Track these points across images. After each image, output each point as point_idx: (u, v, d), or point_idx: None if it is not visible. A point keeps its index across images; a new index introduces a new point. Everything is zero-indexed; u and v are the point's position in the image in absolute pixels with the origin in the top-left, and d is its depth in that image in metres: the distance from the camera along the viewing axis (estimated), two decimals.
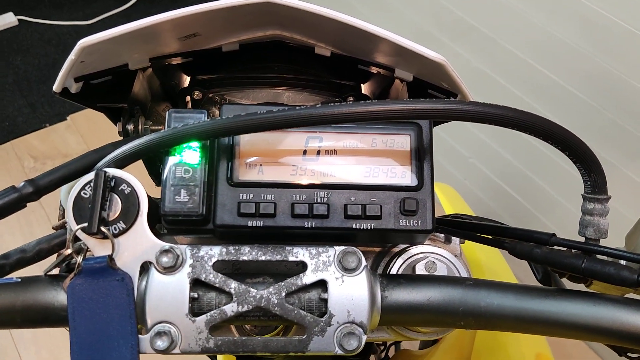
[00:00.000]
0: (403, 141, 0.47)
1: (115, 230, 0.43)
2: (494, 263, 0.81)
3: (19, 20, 2.95)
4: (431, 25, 1.89)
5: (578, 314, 0.40)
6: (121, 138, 0.56)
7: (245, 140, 0.46)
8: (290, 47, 0.60)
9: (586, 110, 1.52)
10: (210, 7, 0.47)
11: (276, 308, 0.42)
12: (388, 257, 0.52)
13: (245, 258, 0.43)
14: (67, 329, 0.42)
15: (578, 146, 0.41)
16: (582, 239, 0.45)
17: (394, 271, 0.50)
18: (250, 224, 0.44)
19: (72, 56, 0.45)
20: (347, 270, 0.43)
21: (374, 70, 0.59)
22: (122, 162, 0.44)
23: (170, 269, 0.42)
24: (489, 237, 0.49)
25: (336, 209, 0.45)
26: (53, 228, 0.50)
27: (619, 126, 1.46)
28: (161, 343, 0.41)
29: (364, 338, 0.42)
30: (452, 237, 0.53)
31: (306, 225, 0.44)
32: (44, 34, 2.91)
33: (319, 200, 0.45)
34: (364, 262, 0.43)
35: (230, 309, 0.42)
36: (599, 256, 0.43)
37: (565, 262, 0.42)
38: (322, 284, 0.43)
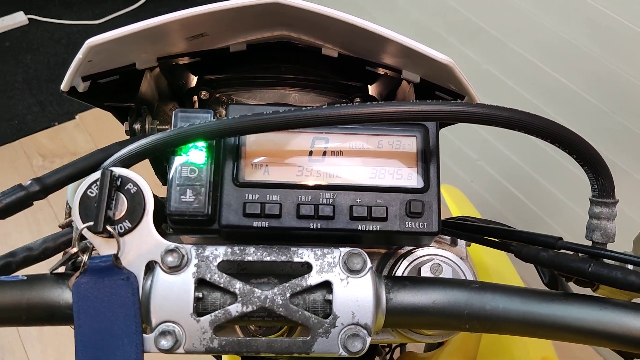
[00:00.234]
0: (409, 143, 0.46)
1: (121, 229, 0.43)
2: (500, 266, 0.81)
3: (29, 19, 2.96)
4: (439, 27, 1.89)
5: (584, 319, 0.40)
6: (128, 137, 0.56)
7: (251, 141, 0.46)
8: (297, 47, 0.60)
9: (595, 113, 1.52)
10: (218, 7, 0.47)
11: (281, 309, 0.42)
12: (394, 259, 0.52)
13: (250, 258, 0.43)
14: (72, 327, 0.42)
15: (585, 149, 0.40)
16: (589, 243, 0.44)
17: (399, 273, 0.50)
18: (255, 224, 0.44)
19: (79, 55, 0.45)
20: (352, 271, 0.43)
21: (381, 71, 0.59)
22: (128, 162, 0.44)
23: (175, 269, 0.42)
24: (495, 240, 0.49)
25: (342, 210, 0.45)
26: (59, 226, 0.51)
27: (628, 129, 1.45)
28: (165, 342, 0.41)
29: (369, 340, 0.42)
30: (458, 240, 0.53)
31: (311, 227, 0.44)
32: (54, 33, 2.92)
33: (324, 201, 0.44)
34: (369, 264, 0.43)
35: (235, 309, 0.42)
36: (606, 260, 0.42)
37: (571, 266, 0.42)
38: (327, 285, 0.43)
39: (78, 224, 0.42)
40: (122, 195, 0.43)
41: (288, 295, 0.42)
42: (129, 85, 0.57)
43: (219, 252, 0.43)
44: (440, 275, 0.49)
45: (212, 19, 0.50)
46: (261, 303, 0.42)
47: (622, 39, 1.38)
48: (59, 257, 0.47)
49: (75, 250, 0.42)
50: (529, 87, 1.69)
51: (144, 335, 0.42)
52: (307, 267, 0.43)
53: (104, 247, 0.43)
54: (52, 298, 0.43)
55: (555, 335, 0.41)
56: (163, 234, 0.47)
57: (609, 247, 0.44)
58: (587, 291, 0.45)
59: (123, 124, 0.58)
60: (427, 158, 0.46)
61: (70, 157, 2.57)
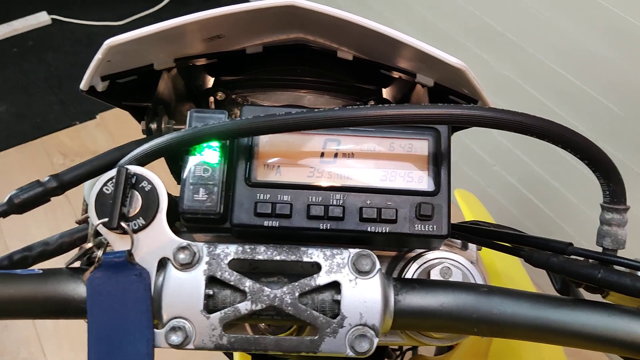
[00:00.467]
0: (421, 146, 0.47)
1: (135, 226, 0.43)
2: (512, 271, 0.80)
3: (52, 19, 3.01)
4: (457, 31, 1.89)
5: (592, 325, 0.40)
6: (144, 137, 0.57)
7: (264, 142, 0.47)
8: (313, 50, 0.61)
9: (612, 118, 1.50)
10: (234, 9, 0.48)
11: (289, 308, 0.42)
12: (404, 261, 0.52)
13: (260, 257, 0.44)
14: (86, 321, 0.43)
15: (597, 155, 0.40)
16: (601, 249, 0.44)
17: (409, 276, 0.50)
18: (266, 223, 0.45)
19: (98, 55, 0.46)
20: (361, 272, 0.43)
21: (396, 75, 0.60)
22: (143, 160, 0.45)
23: (186, 266, 0.43)
24: (506, 244, 0.49)
25: (351, 211, 0.45)
26: (76, 222, 0.52)
27: None
28: (176, 338, 0.42)
29: (376, 341, 0.42)
30: (469, 244, 0.53)
31: (321, 227, 0.45)
32: (76, 33, 2.97)
33: (334, 202, 0.45)
34: (378, 265, 0.43)
35: (244, 307, 0.42)
36: (617, 267, 0.42)
37: (581, 272, 0.42)
38: (335, 286, 0.43)
39: (94, 220, 0.43)
40: (137, 192, 0.44)
41: (297, 294, 0.43)
42: (147, 86, 0.58)
43: (230, 251, 0.43)
44: (450, 279, 0.49)
45: (229, 21, 0.51)
46: (270, 301, 0.42)
47: None
48: (75, 252, 0.48)
49: (90, 245, 0.43)
50: (547, 91, 1.69)
51: (155, 330, 0.42)
52: (316, 267, 0.43)
53: (118, 243, 0.43)
54: (66, 292, 0.44)
55: (563, 341, 0.41)
56: (177, 232, 0.48)
57: (620, 253, 0.44)
58: (598, 298, 0.45)
59: (140, 123, 0.59)
60: (439, 161, 0.46)
61: (90, 156, 2.59)
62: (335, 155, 0.47)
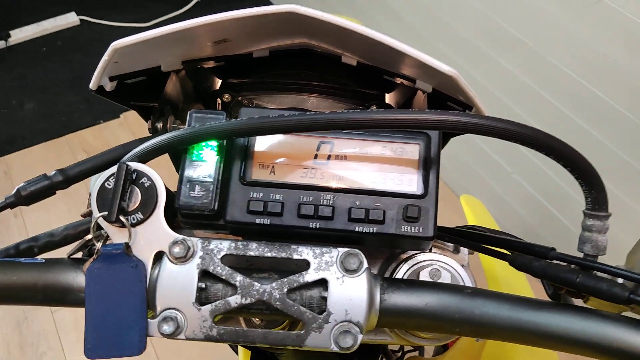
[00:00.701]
0: (412, 150, 0.48)
1: (134, 220, 0.46)
2: (511, 276, 0.81)
3: (80, 20, 3.08)
4: (477, 38, 1.89)
5: (568, 327, 0.41)
6: (149, 135, 0.59)
7: (260, 143, 0.48)
8: (318, 55, 0.62)
9: (631, 127, 1.49)
10: (236, 15, 0.50)
11: (277, 303, 0.44)
12: (396, 262, 0.54)
13: (252, 253, 0.45)
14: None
15: (580, 162, 0.41)
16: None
17: (399, 276, 0.52)
18: (258, 221, 0.47)
19: (105, 56, 0.49)
20: (348, 271, 0.45)
21: (398, 81, 0.61)
22: (145, 157, 0.47)
23: (181, 259, 0.45)
24: (493, 248, 0.50)
25: (341, 211, 0.46)
26: (81, 215, 0.54)
27: None
28: (167, 328, 0.44)
29: (360, 337, 0.44)
30: (461, 248, 0.54)
31: (311, 226, 0.46)
32: (103, 34, 3.03)
33: (324, 202, 0.46)
34: (365, 265, 0.45)
35: (234, 300, 0.44)
36: (598, 274, 0.43)
37: (561, 275, 0.43)
38: (323, 283, 0.45)
39: (95, 213, 0.45)
40: (136, 188, 0.46)
41: (285, 290, 0.44)
42: (155, 86, 0.60)
43: (223, 246, 0.45)
44: (439, 281, 0.50)
45: (233, 26, 0.52)
46: (259, 296, 0.44)
47: None
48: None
49: (90, 237, 0.46)
50: (566, 100, 1.68)
51: (149, 320, 0.44)
52: (306, 265, 0.45)
53: (117, 235, 0.45)
54: (67, 281, 0.46)
55: (540, 343, 0.42)
56: (179, 227, 0.50)
57: (602, 260, 0.44)
58: (581, 303, 0.45)
59: (147, 123, 0.61)
60: (428, 165, 0.47)
61: None
62: (329, 157, 0.48)
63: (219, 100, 0.67)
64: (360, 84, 0.66)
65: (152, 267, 0.45)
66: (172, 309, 0.44)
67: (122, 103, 0.58)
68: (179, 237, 0.45)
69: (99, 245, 0.45)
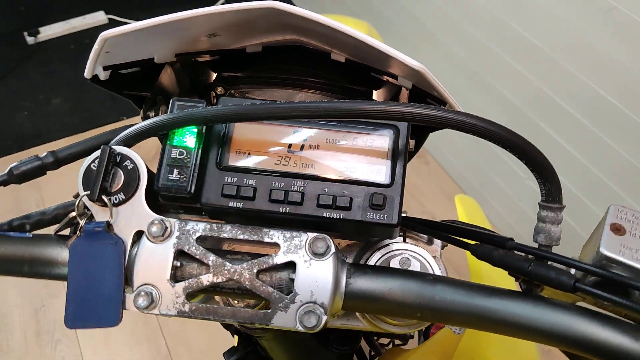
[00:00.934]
0: (382, 141, 0.50)
1: (116, 200, 0.48)
2: (495, 273, 0.81)
3: (108, 19, 3.16)
4: (494, 42, 1.89)
5: (517, 313, 0.42)
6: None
7: (238, 131, 0.51)
8: (309, 51, 0.65)
9: None
10: (217, 10, 0.51)
11: (247, 282, 0.46)
12: (370, 251, 0.56)
13: (225, 235, 0.48)
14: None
15: (535, 155, 0.43)
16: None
17: (370, 263, 0.54)
18: (231, 204, 0.49)
19: (95, 46, 0.51)
20: (316, 254, 0.47)
21: (385, 78, 0.63)
22: (129, 141, 0.50)
23: (158, 238, 0.47)
24: (457, 238, 0.51)
25: (310, 197, 0.49)
26: (73, 196, 0.57)
27: None
28: (142, 302, 0.46)
29: (324, 318, 0.46)
30: (435, 240, 0.56)
31: (281, 210, 0.49)
32: None
33: (295, 188, 0.49)
34: (332, 249, 0.47)
35: (206, 278, 0.47)
36: (556, 265, 0.44)
37: (515, 264, 0.44)
38: (292, 266, 0.47)
39: (80, 192, 0.48)
40: (120, 170, 0.49)
41: (255, 270, 0.46)
42: (150, 77, 0.63)
43: (199, 227, 0.48)
44: (409, 269, 0.52)
45: (218, 20, 0.55)
46: (230, 275, 0.46)
47: None
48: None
49: (74, 214, 0.48)
50: (580, 106, 1.67)
51: (126, 294, 0.47)
52: (277, 248, 0.47)
53: (100, 214, 0.48)
54: (52, 255, 0.49)
55: (493, 328, 0.43)
56: (166, 212, 0.53)
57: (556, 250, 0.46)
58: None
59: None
60: (396, 156, 0.49)
61: (135, 149, 2.73)
62: (302, 147, 0.50)
63: (213, 93, 0.69)
64: (349, 81, 0.68)
65: (133, 246, 0.48)
66: (148, 284, 0.47)
67: (117, 92, 0.61)
68: (158, 217, 0.48)
69: (82, 222, 0.48)
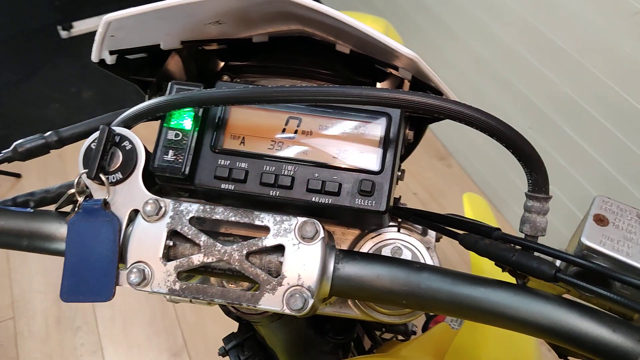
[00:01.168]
0: (374, 129, 0.50)
1: (113, 179, 0.50)
2: (496, 267, 0.81)
3: None
4: (519, 44, 1.87)
5: (499, 302, 0.42)
6: None
7: (234, 115, 0.52)
8: (315, 42, 0.65)
9: None
10: None
11: (236, 263, 0.47)
12: (364, 239, 0.56)
13: (217, 217, 0.49)
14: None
15: (522, 144, 0.43)
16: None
17: (363, 250, 0.54)
18: (223, 186, 0.50)
19: (100, 29, 0.53)
20: (305, 239, 0.47)
21: (388, 70, 0.63)
22: (128, 123, 0.52)
23: (153, 217, 0.49)
24: (446, 227, 0.51)
25: (300, 182, 0.49)
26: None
27: None
28: (135, 278, 0.47)
29: (311, 302, 0.46)
30: (429, 231, 0.56)
31: (271, 194, 0.49)
32: None
33: (285, 172, 0.49)
34: (321, 234, 0.47)
35: (197, 258, 0.48)
36: (542, 256, 0.44)
37: (499, 254, 0.44)
38: (281, 249, 0.48)
39: (80, 170, 0.50)
40: (118, 150, 0.50)
41: (245, 252, 0.47)
42: (157, 63, 0.64)
43: (192, 208, 0.49)
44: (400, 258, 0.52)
45: (220, 6, 0.56)
46: (220, 256, 0.47)
47: None
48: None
49: (72, 191, 0.50)
50: (604, 110, 1.65)
51: (119, 271, 0.48)
52: (267, 231, 0.48)
53: (98, 192, 0.50)
54: (51, 230, 0.51)
55: (477, 317, 0.43)
56: (167, 194, 0.54)
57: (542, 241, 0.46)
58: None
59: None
60: (387, 144, 0.50)
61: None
62: (295, 132, 0.51)
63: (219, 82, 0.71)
64: (353, 72, 0.69)
65: (129, 225, 0.49)
66: (141, 262, 0.48)
67: (122, 76, 0.62)
68: (153, 197, 0.49)
69: (80, 199, 0.50)
